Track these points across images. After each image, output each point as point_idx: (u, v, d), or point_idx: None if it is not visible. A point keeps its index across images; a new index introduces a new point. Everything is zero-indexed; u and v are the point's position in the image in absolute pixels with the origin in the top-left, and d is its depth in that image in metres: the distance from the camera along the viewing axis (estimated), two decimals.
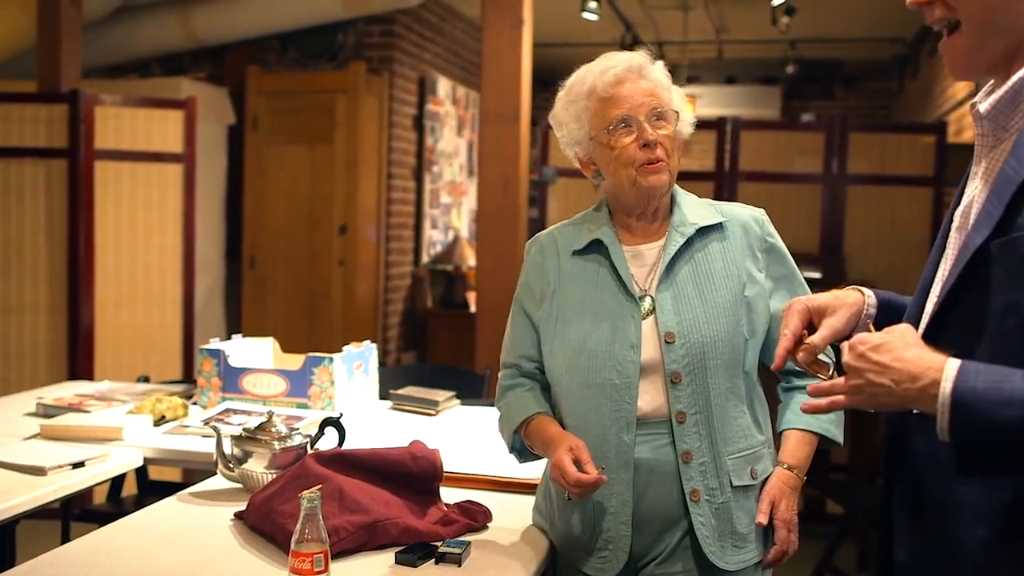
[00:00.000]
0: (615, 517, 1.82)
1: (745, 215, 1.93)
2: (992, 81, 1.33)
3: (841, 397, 1.27)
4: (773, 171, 5.11)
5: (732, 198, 5.00)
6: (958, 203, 1.38)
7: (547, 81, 9.47)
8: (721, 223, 1.90)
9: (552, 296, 1.92)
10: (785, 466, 1.87)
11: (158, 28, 6.23)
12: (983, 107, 1.30)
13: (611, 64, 1.85)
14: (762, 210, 1.96)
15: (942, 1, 1.30)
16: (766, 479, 1.88)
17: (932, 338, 1.30)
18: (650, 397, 1.81)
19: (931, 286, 1.38)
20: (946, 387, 1.16)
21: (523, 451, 1.99)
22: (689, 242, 1.87)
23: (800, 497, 1.92)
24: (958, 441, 1.17)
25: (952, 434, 1.16)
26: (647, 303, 1.84)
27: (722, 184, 5.01)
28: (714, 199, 2.00)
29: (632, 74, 1.84)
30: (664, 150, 1.83)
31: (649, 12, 7.62)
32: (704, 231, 1.88)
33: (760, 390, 1.93)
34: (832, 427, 1.90)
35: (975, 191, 1.32)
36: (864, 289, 1.50)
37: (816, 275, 4.83)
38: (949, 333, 1.28)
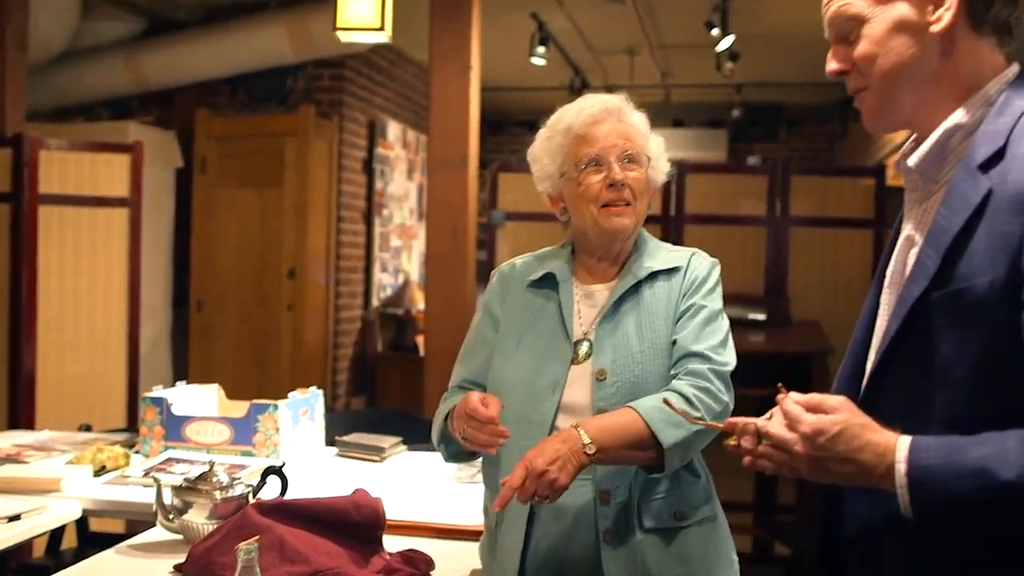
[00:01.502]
0: (512, 553, 1.81)
1: (684, 254, 1.93)
2: (915, 135, 1.37)
3: (783, 471, 1.27)
4: (719, 213, 5.18)
5: (678, 241, 5.06)
6: (889, 258, 1.41)
7: (496, 125, 9.62)
8: (678, 267, 1.90)
9: (501, 327, 1.94)
10: (579, 428, 1.67)
11: (106, 72, 6.21)
12: (911, 160, 1.34)
13: (589, 103, 1.90)
14: (716, 261, 1.95)
15: (856, 69, 1.36)
16: (702, 521, 1.84)
17: (874, 393, 1.32)
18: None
19: (868, 341, 1.39)
20: (901, 468, 1.18)
21: (449, 441, 1.91)
22: (638, 285, 1.87)
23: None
24: (920, 515, 1.19)
25: (914, 511, 1.19)
26: (584, 347, 1.85)
27: (668, 227, 5.07)
28: (662, 242, 2.02)
29: (609, 115, 1.88)
30: (631, 192, 1.86)
31: (597, 57, 7.73)
32: (657, 275, 1.89)
33: None
34: (667, 427, 1.70)
35: (907, 243, 1.35)
36: None
37: (761, 316, 4.90)
38: (891, 387, 1.31)
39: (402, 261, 7.60)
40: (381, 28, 3.27)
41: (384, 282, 7.25)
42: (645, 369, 1.80)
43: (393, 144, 7.32)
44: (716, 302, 1.89)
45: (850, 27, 1.35)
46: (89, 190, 4.81)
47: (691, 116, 9.72)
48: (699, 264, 1.91)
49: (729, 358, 1.83)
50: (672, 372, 1.81)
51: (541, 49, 6.55)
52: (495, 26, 5.79)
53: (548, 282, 1.93)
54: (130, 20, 6.18)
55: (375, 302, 7.09)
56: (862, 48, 1.33)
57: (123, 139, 5.28)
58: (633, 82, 8.03)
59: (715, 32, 5.93)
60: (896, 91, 1.33)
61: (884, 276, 1.40)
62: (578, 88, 8.07)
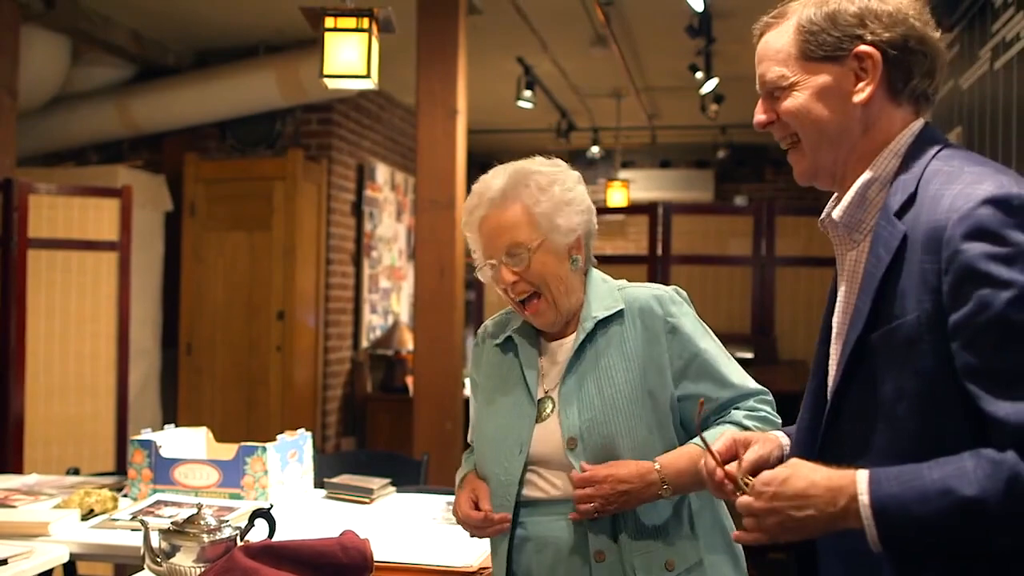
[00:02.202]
0: None
1: (645, 297, 1.90)
2: (836, 194, 1.46)
3: (761, 535, 1.30)
4: (705, 254, 5.23)
5: (665, 281, 5.10)
6: (832, 308, 1.48)
7: (485, 166, 9.62)
8: (621, 311, 1.89)
9: (479, 388, 2.02)
10: (660, 472, 1.78)
11: (96, 116, 6.26)
12: (836, 214, 1.42)
13: (475, 202, 1.89)
14: (671, 289, 1.93)
15: (780, 122, 1.44)
16: (690, 568, 1.85)
17: (832, 437, 1.37)
18: (538, 489, 1.87)
19: (822, 390, 1.44)
20: (864, 499, 1.21)
21: None
22: (592, 335, 1.88)
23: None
24: (890, 544, 1.21)
25: (883, 541, 1.21)
26: (548, 405, 1.88)
27: (655, 267, 5.11)
28: (648, 281, 2.05)
29: (492, 210, 1.86)
30: (529, 283, 1.86)
31: (583, 100, 7.82)
32: (606, 321, 1.88)
33: None
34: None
35: (845, 293, 1.43)
36: (781, 434, 1.55)
37: (748, 355, 4.93)
38: (846, 426, 1.36)
39: (391, 302, 7.63)
40: (367, 75, 3.30)
41: (373, 323, 7.26)
42: (611, 430, 1.82)
43: (382, 186, 7.37)
44: (703, 338, 1.89)
45: (776, 87, 1.43)
46: (79, 234, 4.83)
47: (678, 157, 9.82)
48: (655, 301, 1.88)
49: (751, 381, 1.91)
50: (716, 419, 1.85)
51: (528, 92, 6.63)
52: (482, 70, 5.88)
53: (511, 343, 1.97)
54: (120, 66, 6.24)
55: (364, 343, 7.10)
56: (787, 106, 1.41)
57: (113, 183, 5.31)
58: (620, 124, 8.12)
59: (699, 75, 6.02)
60: (819, 150, 1.42)
61: (831, 326, 1.47)
62: (565, 130, 8.17)
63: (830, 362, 1.44)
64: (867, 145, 1.40)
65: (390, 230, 7.56)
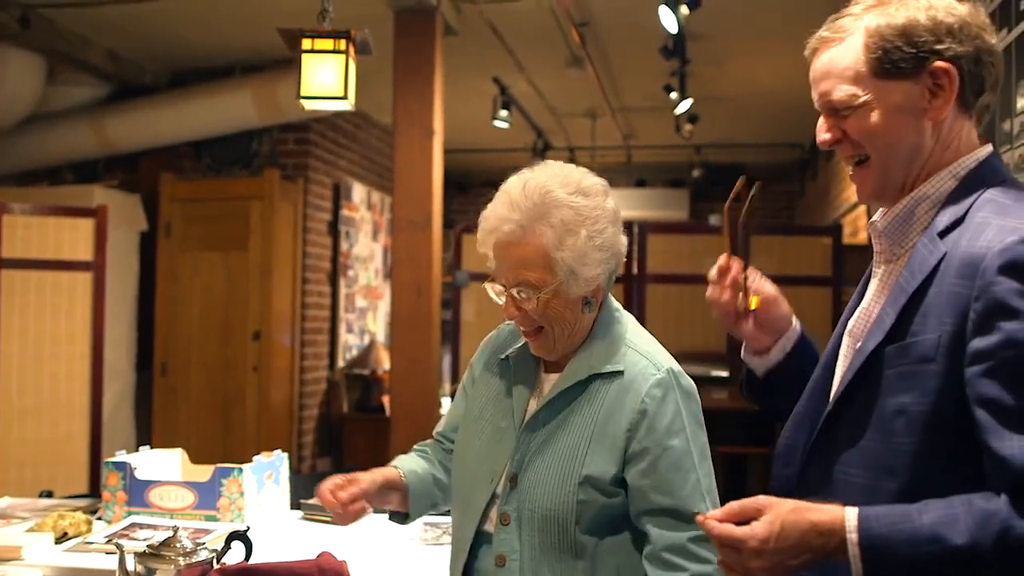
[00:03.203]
0: None
1: (640, 367, 1.73)
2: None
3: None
4: (680, 273, 5.25)
5: (641, 300, 5.13)
6: (855, 308, 1.48)
7: (462, 185, 9.71)
8: (619, 371, 1.74)
9: (471, 394, 1.92)
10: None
11: (71, 136, 6.24)
12: (880, 224, 1.41)
13: (492, 224, 1.71)
14: (670, 368, 1.74)
15: (849, 140, 1.41)
16: None
17: (826, 437, 1.38)
18: (493, 525, 1.76)
19: (827, 383, 1.45)
20: (852, 538, 1.21)
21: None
22: (578, 384, 1.74)
23: None
24: None
25: None
26: (519, 437, 1.77)
27: (631, 286, 5.14)
28: (624, 302, 1.95)
29: (508, 239, 1.69)
30: (531, 320, 1.73)
31: (559, 120, 7.86)
32: (598, 376, 1.74)
33: (626, 553, 1.72)
34: None
35: (871, 299, 1.43)
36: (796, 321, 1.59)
37: (724, 373, 4.95)
38: (843, 430, 1.36)
39: (368, 322, 7.62)
40: (344, 96, 3.32)
41: (350, 343, 7.25)
42: (538, 479, 1.71)
43: (358, 206, 7.38)
44: (674, 431, 1.70)
45: (846, 106, 1.38)
46: (53, 254, 4.81)
47: (653, 176, 9.89)
48: (642, 378, 1.72)
49: (702, 502, 1.69)
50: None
51: (504, 112, 6.66)
52: (458, 90, 5.90)
53: (508, 364, 1.86)
54: (96, 85, 6.22)
55: (341, 363, 7.08)
56: (860, 126, 1.38)
57: (88, 203, 5.29)
58: (595, 143, 8.17)
59: (673, 96, 6.07)
60: (892, 169, 1.39)
61: (847, 323, 1.47)
62: (541, 150, 8.21)
63: (838, 363, 1.45)
64: (937, 162, 1.38)
65: (366, 249, 7.56)
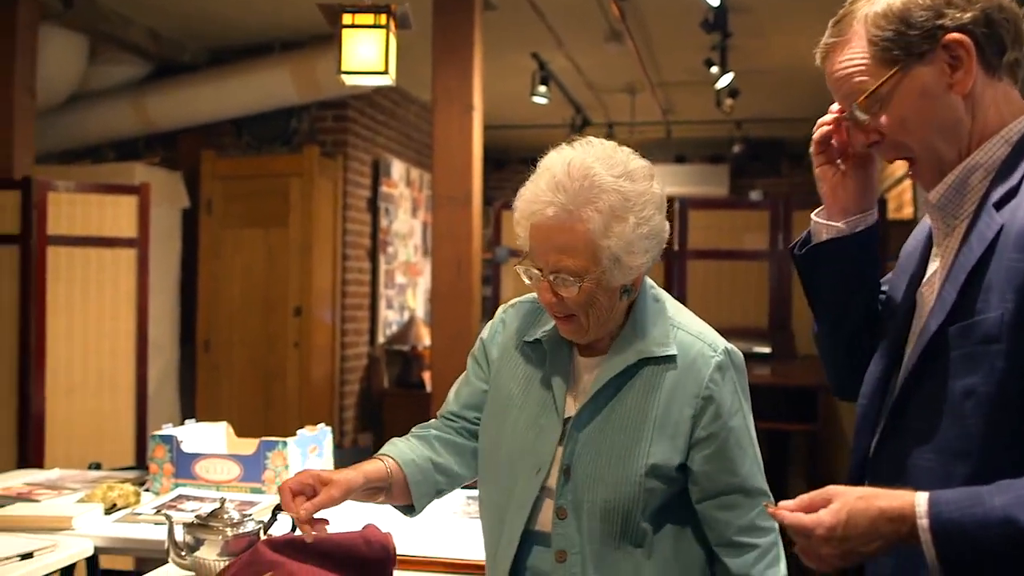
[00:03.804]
0: None
1: (697, 350, 1.69)
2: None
3: (825, 568, 1.26)
4: (721, 248, 5.22)
5: (682, 276, 5.10)
6: (915, 288, 1.44)
7: (500, 162, 9.69)
8: (672, 355, 1.68)
9: (493, 375, 1.83)
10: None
11: (112, 114, 6.29)
12: (934, 197, 1.37)
13: (531, 206, 1.63)
14: (725, 348, 1.71)
15: (886, 140, 1.36)
16: None
17: (896, 422, 1.35)
18: (547, 521, 1.69)
19: (895, 365, 1.42)
20: (923, 523, 1.19)
21: None
22: (627, 370, 1.68)
23: None
24: (947, 568, 1.19)
25: (941, 564, 1.19)
26: (568, 425, 1.70)
27: (672, 262, 5.11)
28: (664, 279, 1.85)
29: (555, 222, 1.60)
30: (566, 307, 1.65)
31: (598, 95, 7.81)
32: (649, 360, 1.68)
33: (681, 532, 1.71)
34: None
35: (933, 273, 1.39)
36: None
37: (766, 350, 4.92)
38: (912, 415, 1.33)
39: (407, 298, 7.65)
40: (385, 72, 3.32)
41: (390, 319, 7.28)
42: (599, 471, 1.66)
43: (397, 182, 7.39)
44: (737, 414, 1.69)
45: (871, 104, 1.35)
46: (97, 231, 4.86)
47: (693, 152, 9.80)
48: (701, 360, 1.68)
49: (761, 476, 1.71)
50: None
51: (542, 88, 6.63)
52: (497, 66, 5.89)
53: (540, 348, 1.77)
54: (136, 63, 6.27)
55: (381, 339, 7.12)
56: (890, 119, 1.34)
57: (130, 180, 5.34)
58: (634, 119, 8.11)
59: (714, 70, 6.01)
60: (940, 151, 1.35)
61: (914, 303, 1.43)
62: (580, 126, 8.16)
63: (907, 346, 1.41)
64: (982, 131, 1.34)
65: (406, 226, 7.58)
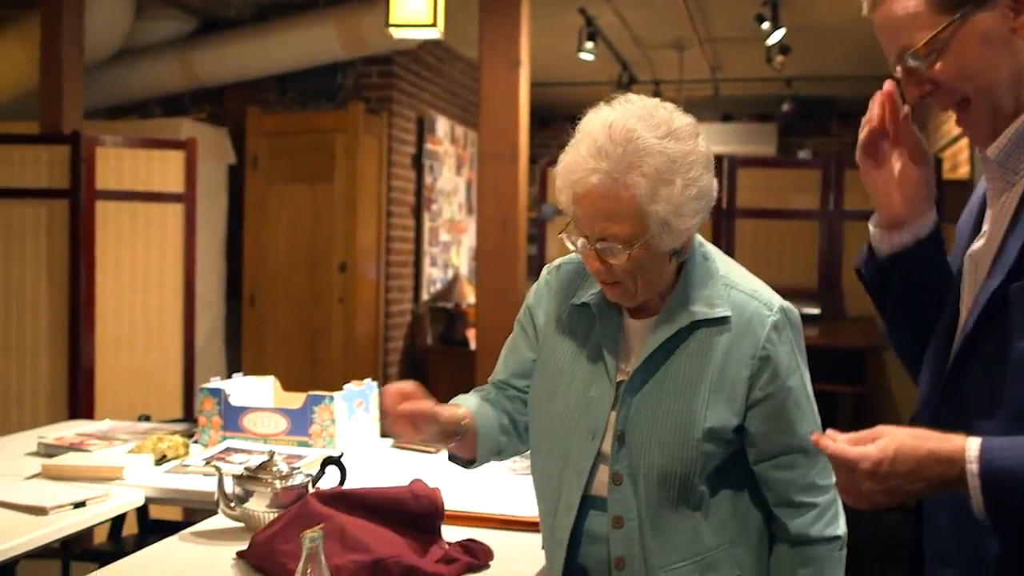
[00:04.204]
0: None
1: (752, 310, 1.65)
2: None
3: (867, 505, 1.23)
4: (770, 208, 5.14)
5: (730, 236, 5.04)
6: (967, 247, 1.39)
7: (545, 119, 9.61)
8: (726, 316, 1.64)
9: (541, 341, 1.80)
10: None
11: (159, 69, 6.30)
12: (990, 151, 1.31)
13: (575, 173, 1.58)
14: (780, 306, 1.67)
15: (941, 89, 1.30)
16: None
17: (954, 383, 1.31)
18: (603, 486, 1.68)
19: (953, 329, 1.37)
20: (972, 468, 1.16)
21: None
22: (680, 333, 1.65)
23: None
24: (994, 516, 1.17)
25: (988, 511, 1.17)
26: (620, 390, 1.68)
27: (720, 221, 5.04)
28: (712, 238, 1.82)
29: (600, 190, 1.55)
30: (614, 274, 1.61)
31: (645, 52, 7.70)
32: (702, 322, 1.65)
33: (738, 493, 1.70)
34: None
35: (990, 229, 1.33)
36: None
37: (815, 310, 4.85)
38: (971, 376, 1.29)
39: (451, 255, 7.64)
40: (433, 24, 3.29)
41: (433, 276, 7.28)
42: (655, 434, 1.64)
43: (442, 139, 7.36)
44: (795, 375, 1.66)
45: (928, 52, 1.28)
46: (144, 186, 4.89)
47: (741, 110, 9.66)
48: (757, 320, 1.64)
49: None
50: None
51: (589, 44, 6.54)
52: (544, 22, 5.80)
53: (589, 311, 1.73)
54: (183, 19, 6.26)
55: (425, 296, 7.12)
56: (947, 68, 1.27)
57: (176, 136, 5.36)
58: (682, 77, 7.99)
59: (765, 25, 5.89)
60: (1000, 101, 1.29)
61: (963, 264, 1.38)
62: (626, 83, 8.06)
63: (961, 305, 1.36)
64: None
65: (450, 183, 7.55)
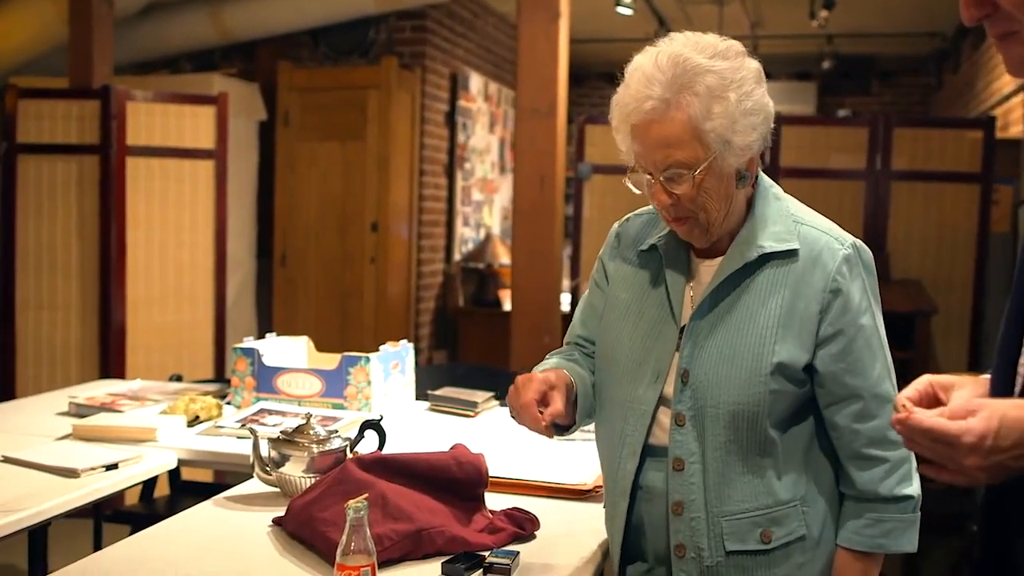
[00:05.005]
0: (613, 542, 1.72)
1: (823, 244, 1.61)
2: None
3: (966, 482, 1.13)
4: (814, 167, 4.99)
5: None
6: None
7: (579, 77, 9.43)
8: (794, 250, 1.60)
9: (608, 290, 1.78)
10: None
11: (189, 24, 6.19)
12: None
13: (629, 106, 1.56)
14: (853, 242, 1.63)
15: (1000, 12, 1.17)
16: (793, 543, 1.61)
17: None
18: (664, 432, 1.64)
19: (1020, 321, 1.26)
20: None
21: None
22: (747, 267, 1.61)
23: None
24: None
25: None
26: (685, 330, 1.64)
27: None
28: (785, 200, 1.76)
29: (649, 119, 1.53)
30: (683, 207, 1.58)
31: (684, 7, 7.51)
32: (771, 256, 1.61)
33: (810, 445, 1.65)
34: (886, 540, 1.61)
35: None
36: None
37: None
38: None
39: (483, 215, 7.53)
40: None
41: (466, 236, 7.19)
42: (722, 374, 1.59)
43: (475, 96, 7.22)
44: (865, 312, 1.61)
45: None
46: (175, 142, 4.81)
47: (779, 68, 9.43)
48: (828, 253, 1.59)
49: (890, 381, 1.63)
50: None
51: None
52: None
53: (656, 253, 1.71)
54: None
55: (457, 256, 7.03)
56: None
57: (207, 91, 5.27)
58: (721, 33, 7.79)
59: None
60: None
61: None
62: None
63: None
64: None
65: (483, 141, 7.43)
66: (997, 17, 1.18)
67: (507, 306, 6.40)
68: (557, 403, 1.63)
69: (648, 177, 1.59)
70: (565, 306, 5.30)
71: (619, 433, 1.68)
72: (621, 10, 6.42)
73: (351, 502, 1.42)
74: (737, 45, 1.61)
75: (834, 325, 1.59)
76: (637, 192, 1.63)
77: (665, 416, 1.64)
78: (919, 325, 4.39)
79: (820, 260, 1.60)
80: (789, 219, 1.64)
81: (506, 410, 2.98)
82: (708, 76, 1.53)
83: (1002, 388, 1.27)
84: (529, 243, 4.40)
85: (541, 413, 1.61)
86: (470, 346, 6.85)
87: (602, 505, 1.82)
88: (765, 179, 1.69)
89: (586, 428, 2.50)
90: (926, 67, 9.01)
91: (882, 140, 4.93)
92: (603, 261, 1.83)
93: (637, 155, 1.59)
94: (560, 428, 1.76)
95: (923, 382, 1.18)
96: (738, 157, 1.57)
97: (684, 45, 1.57)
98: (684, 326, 1.64)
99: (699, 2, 7.35)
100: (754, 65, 1.59)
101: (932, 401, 1.17)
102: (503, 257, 6.91)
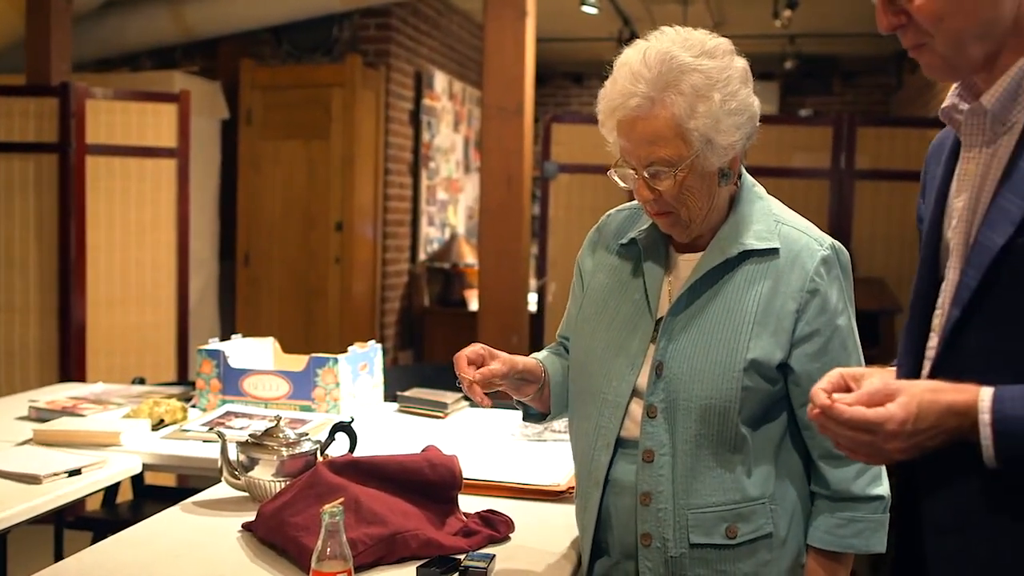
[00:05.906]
0: (584, 535, 1.72)
1: (802, 244, 1.62)
2: (957, 85, 1.30)
3: (884, 463, 1.22)
4: (777, 166, 5.02)
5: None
6: (942, 204, 1.33)
7: (543, 76, 9.42)
8: (774, 249, 1.62)
9: (586, 285, 1.79)
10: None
11: (149, 21, 6.10)
12: (986, 101, 1.24)
13: (615, 101, 1.57)
14: (832, 243, 1.64)
15: (913, 24, 1.24)
16: (759, 539, 1.61)
17: (954, 344, 1.25)
18: (635, 425, 1.64)
19: (932, 292, 1.31)
20: (984, 418, 1.14)
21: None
22: (727, 263, 1.62)
23: None
24: (1007, 467, 1.15)
25: (1000, 460, 1.14)
26: (661, 323, 1.65)
27: None
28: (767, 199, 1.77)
29: (634, 116, 1.55)
30: (665, 203, 1.59)
31: (648, 6, 7.52)
32: (750, 254, 1.62)
33: (782, 444, 1.65)
34: (857, 540, 1.62)
35: (974, 187, 1.27)
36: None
37: None
38: (974, 338, 1.23)
39: (448, 214, 7.50)
40: None
41: (431, 236, 7.15)
42: (694, 366, 1.59)
43: (440, 95, 7.19)
44: (841, 314, 1.62)
45: None
46: (136, 140, 4.74)
47: None
48: (807, 254, 1.60)
49: None
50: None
51: None
52: None
53: (635, 247, 1.72)
54: None
55: (422, 256, 7.00)
56: (925, 5, 1.21)
57: (168, 89, 5.19)
58: None
59: None
60: (967, 48, 1.23)
61: (940, 222, 1.33)
62: (627, 39, 7.87)
63: (948, 269, 1.29)
64: (1020, 31, 1.22)
65: (448, 140, 7.40)
66: (910, 28, 1.25)
67: (473, 306, 6.38)
68: (493, 366, 1.65)
69: (631, 172, 1.61)
70: (532, 306, 5.29)
71: (593, 426, 1.68)
72: (586, 9, 6.42)
73: (327, 507, 1.39)
74: (726, 43, 1.61)
75: (811, 325, 1.60)
76: (623, 185, 1.64)
77: (637, 408, 1.64)
78: (884, 323, 4.43)
79: (799, 260, 1.61)
80: (770, 218, 1.66)
81: (477, 411, 2.98)
82: (694, 75, 1.54)
83: (909, 372, 1.33)
84: (496, 243, 4.38)
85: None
86: (436, 346, 6.82)
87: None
88: (748, 178, 1.71)
89: (556, 428, 2.49)
90: (887, 67, 9.10)
91: (846, 139, 4.97)
92: (581, 257, 1.84)
93: (622, 150, 1.61)
94: (537, 416, 1.82)
95: (835, 375, 1.23)
96: (721, 156, 1.58)
97: (672, 42, 1.58)
98: (660, 319, 1.65)
99: (663, 1, 7.37)
100: (741, 64, 1.61)
101: (844, 392, 1.23)
102: (468, 257, 6.88)
